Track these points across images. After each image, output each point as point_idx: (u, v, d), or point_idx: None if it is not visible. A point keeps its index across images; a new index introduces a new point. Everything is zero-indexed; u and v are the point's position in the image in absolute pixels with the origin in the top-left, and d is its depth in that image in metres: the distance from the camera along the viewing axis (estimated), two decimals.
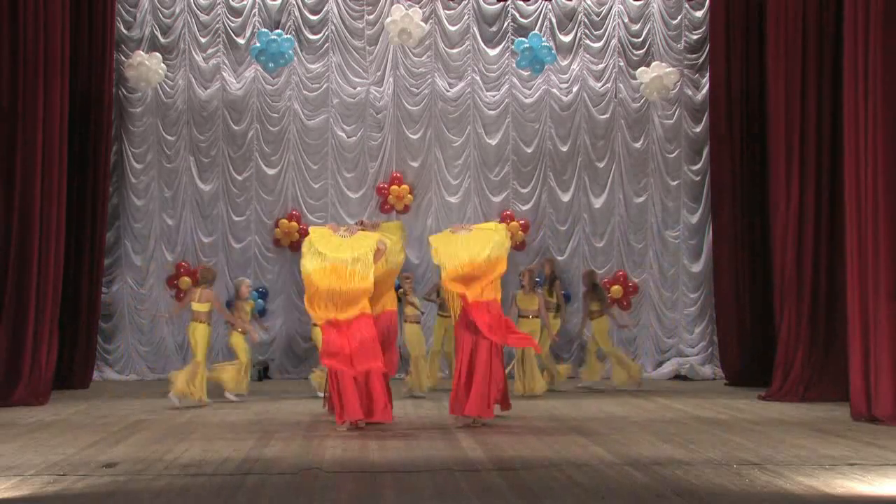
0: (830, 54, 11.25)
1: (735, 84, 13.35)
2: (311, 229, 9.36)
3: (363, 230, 9.25)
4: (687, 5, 14.39)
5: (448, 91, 14.21)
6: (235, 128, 13.93)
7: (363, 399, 8.57)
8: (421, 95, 14.17)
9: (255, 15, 13.94)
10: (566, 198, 14.28)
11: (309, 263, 8.68)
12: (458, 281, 8.79)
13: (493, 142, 14.24)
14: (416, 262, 13.58)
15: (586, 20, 14.34)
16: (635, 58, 14.30)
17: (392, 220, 13.79)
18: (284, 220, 13.76)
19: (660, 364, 14.10)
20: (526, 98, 14.28)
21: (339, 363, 8.50)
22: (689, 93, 14.40)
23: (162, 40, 13.79)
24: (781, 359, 11.36)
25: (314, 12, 14.07)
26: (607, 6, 14.37)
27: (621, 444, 7.80)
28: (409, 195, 13.98)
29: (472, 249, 8.86)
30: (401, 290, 11.19)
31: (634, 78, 14.11)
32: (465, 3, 14.23)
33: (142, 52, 13.41)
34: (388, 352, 9.23)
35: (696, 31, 14.38)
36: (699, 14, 14.35)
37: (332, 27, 14.05)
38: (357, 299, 8.62)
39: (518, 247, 13.48)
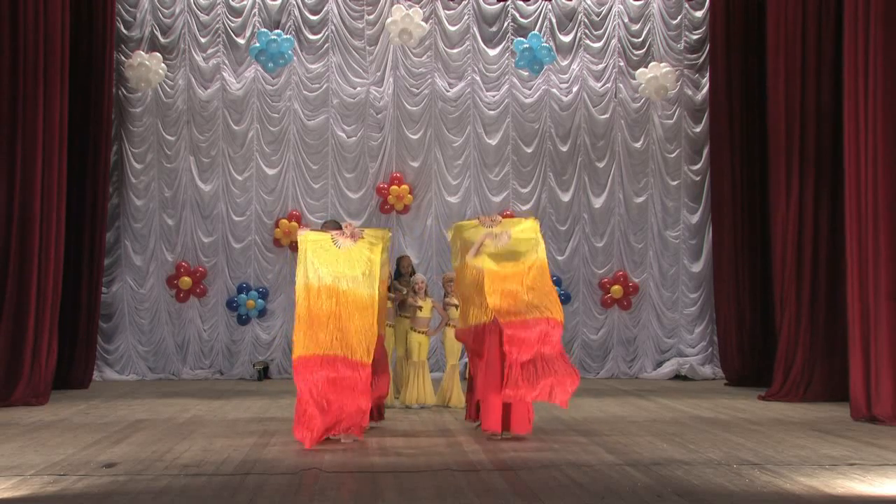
0: (830, 54, 11.26)
1: (735, 84, 13.37)
2: (306, 235, 8.02)
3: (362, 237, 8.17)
4: (687, 5, 14.40)
5: (448, 91, 14.20)
6: (235, 128, 13.93)
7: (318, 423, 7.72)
8: (421, 95, 14.17)
9: (255, 15, 13.94)
10: (566, 198, 14.27)
11: (301, 277, 7.71)
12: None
13: (493, 142, 14.23)
14: (416, 262, 13.53)
15: (586, 20, 14.34)
16: (635, 58, 14.31)
17: (392, 220, 13.85)
18: (284, 220, 13.76)
19: (660, 364, 14.10)
20: (526, 98, 14.27)
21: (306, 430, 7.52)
22: (689, 93, 14.41)
23: (162, 40, 13.79)
24: (781, 359, 11.37)
25: (314, 12, 14.07)
26: (607, 6, 14.38)
27: (621, 444, 7.80)
28: (409, 195, 13.96)
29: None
30: (446, 299, 10.60)
31: (634, 78, 14.12)
32: (465, 3, 14.22)
33: (142, 52, 13.43)
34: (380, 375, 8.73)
35: (696, 31, 14.38)
36: (699, 14, 14.35)
37: (332, 27, 14.05)
38: (358, 332, 7.59)
39: None
